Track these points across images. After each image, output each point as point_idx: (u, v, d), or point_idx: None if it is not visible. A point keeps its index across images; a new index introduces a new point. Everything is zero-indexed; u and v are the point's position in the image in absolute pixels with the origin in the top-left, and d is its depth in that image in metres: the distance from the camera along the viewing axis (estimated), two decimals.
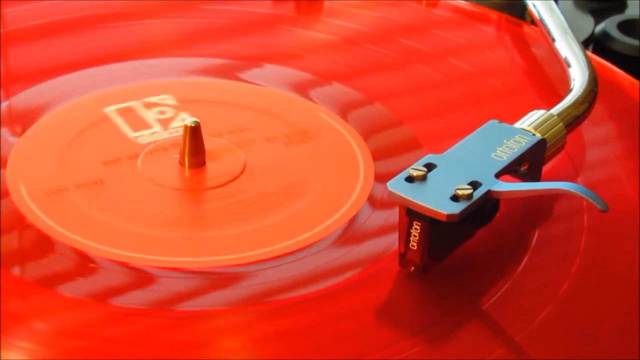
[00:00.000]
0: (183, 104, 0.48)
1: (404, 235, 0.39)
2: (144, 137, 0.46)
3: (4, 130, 0.46)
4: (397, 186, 0.39)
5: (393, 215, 0.41)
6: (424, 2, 0.58)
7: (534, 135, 0.42)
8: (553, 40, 0.51)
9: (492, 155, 0.41)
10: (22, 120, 0.47)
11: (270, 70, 0.52)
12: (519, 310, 0.39)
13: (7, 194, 0.43)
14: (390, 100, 0.50)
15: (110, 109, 0.48)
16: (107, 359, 0.36)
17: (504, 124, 0.43)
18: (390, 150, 0.46)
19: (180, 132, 0.45)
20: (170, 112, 0.48)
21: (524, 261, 0.41)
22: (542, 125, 0.43)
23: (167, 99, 0.49)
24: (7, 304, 0.38)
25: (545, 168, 0.44)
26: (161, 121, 0.47)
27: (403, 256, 0.39)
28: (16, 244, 0.41)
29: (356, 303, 0.39)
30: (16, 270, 0.39)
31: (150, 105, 0.48)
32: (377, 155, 0.46)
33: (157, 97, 0.49)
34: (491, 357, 0.37)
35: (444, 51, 0.54)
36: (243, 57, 0.53)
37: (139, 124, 0.47)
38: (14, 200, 0.42)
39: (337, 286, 0.40)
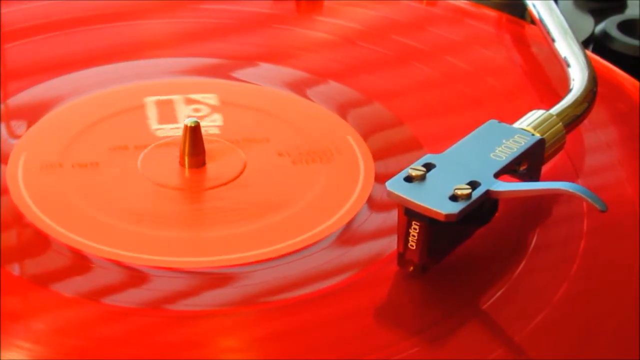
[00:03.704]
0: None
1: (403, 235, 0.39)
2: (163, 130, 0.47)
3: (5, 130, 0.46)
4: (396, 186, 0.39)
5: (393, 215, 0.41)
6: (425, 1, 0.58)
7: (533, 135, 0.42)
8: (553, 40, 0.51)
9: (491, 155, 0.41)
10: (23, 120, 0.47)
11: (271, 70, 0.52)
12: (519, 310, 0.39)
13: (6, 191, 0.43)
14: (390, 100, 0.50)
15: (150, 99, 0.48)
16: (105, 358, 0.36)
17: (503, 124, 0.43)
18: (389, 149, 0.46)
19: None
20: (204, 111, 0.48)
21: (524, 261, 0.41)
22: (541, 125, 0.43)
23: (210, 98, 0.49)
24: (3, 302, 0.38)
25: (545, 168, 0.44)
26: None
27: (402, 256, 0.39)
28: (14, 242, 0.41)
29: (355, 303, 0.39)
30: (13, 269, 0.40)
31: (190, 102, 0.49)
32: (377, 154, 0.46)
33: (200, 95, 0.49)
34: (491, 357, 0.37)
35: (444, 50, 0.54)
36: (243, 57, 0.53)
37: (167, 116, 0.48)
38: (13, 199, 0.43)
39: (337, 286, 0.40)
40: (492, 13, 0.58)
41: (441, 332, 0.38)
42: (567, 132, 0.44)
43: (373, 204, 0.43)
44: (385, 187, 0.39)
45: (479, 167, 0.40)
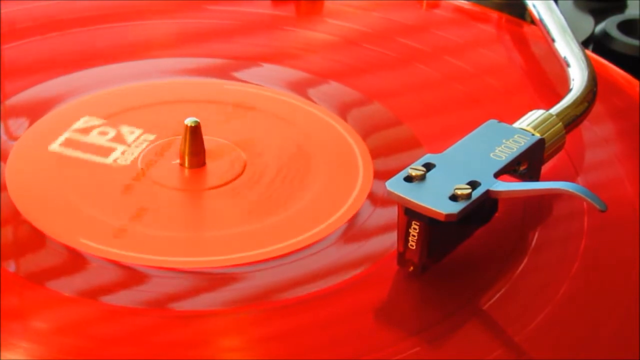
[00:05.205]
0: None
1: (403, 235, 0.39)
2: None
3: (4, 129, 0.46)
4: (396, 186, 0.39)
5: (392, 215, 0.41)
6: (425, 2, 0.58)
7: (532, 135, 0.42)
8: (552, 40, 0.51)
9: (491, 155, 0.41)
10: (22, 120, 0.47)
11: (270, 70, 0.52)
12: (519, 310, 0.39)
13: (5, 189, 0.43)
14: (391, 100, 0.50)
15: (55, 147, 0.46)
16: (103, 358, 0.36)
17: (503, 124, 0.43)
18: (389, 149, 0.47)
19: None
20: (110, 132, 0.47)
21: (524, 261, 0.41)
22: (541, 125, 0.43)
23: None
24: (2, 301, 0.38)
25: (545, 168, 0.44)
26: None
27: (402, 255, 0.39)
28: (12, 241, 0.41)
29: (356, 303, 0.39)
30: (12, 267, 0.40)
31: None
32: (376, 154, 0.46)
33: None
34: (491, 357, 0.37)
35: (444, 51, 0.54)
36: (243, 57, 0.53)
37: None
38: (12, 198, 0.43)
39: (336, 286, 0.40)
40: (492, 13, 0.58)
41: (441, 332, 0.38)
42: (567, 132, 0.44)
43: (372, 203, 0.43)
44: (385, 187, 0.39)
45: (479, 167, 0.40)
